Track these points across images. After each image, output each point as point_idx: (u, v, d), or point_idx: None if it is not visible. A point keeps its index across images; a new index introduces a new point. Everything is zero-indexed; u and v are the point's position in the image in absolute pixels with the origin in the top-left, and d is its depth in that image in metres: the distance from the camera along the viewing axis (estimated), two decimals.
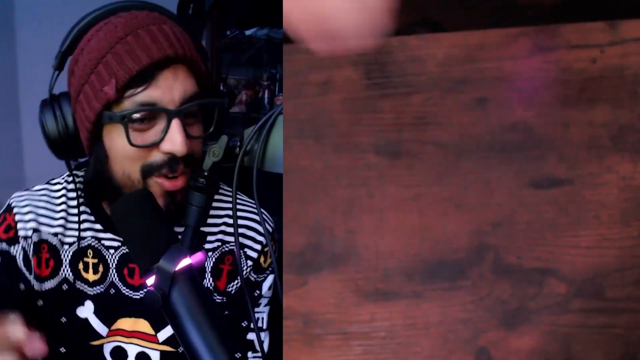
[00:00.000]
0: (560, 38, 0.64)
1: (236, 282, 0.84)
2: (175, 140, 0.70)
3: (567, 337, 0.64)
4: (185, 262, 0.61)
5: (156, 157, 0.71)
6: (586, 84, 0.64)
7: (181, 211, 0.66)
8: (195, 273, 0.62)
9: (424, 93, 0.66)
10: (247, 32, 2.39)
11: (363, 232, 0.65)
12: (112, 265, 0.80)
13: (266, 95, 2.46)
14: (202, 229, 0.80)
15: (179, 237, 0.63)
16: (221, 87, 2.39)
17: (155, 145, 0.71)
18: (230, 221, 0.85)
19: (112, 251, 0.81)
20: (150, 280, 0.61)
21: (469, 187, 0.65)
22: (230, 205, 0.86)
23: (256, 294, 0.86)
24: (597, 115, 0.64)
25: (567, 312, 0.64)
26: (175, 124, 0.70)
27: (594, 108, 0.64)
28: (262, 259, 0.86)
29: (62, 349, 0.80)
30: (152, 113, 0.70)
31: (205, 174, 0.65)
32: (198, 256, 0.64)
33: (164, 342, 0.81)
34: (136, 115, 0.70)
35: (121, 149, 0.72)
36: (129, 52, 0.69)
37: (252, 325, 0.85)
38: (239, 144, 0.70)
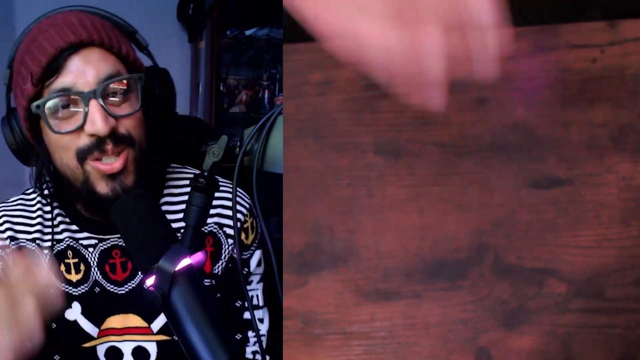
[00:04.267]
0: (560, 38, 0.64)
1: (220, 262, 0.84)
2: (94, 120, 0.71)
3: (567, 337, 0.64)
4: (185, 262, 0.61)
5: (84, 140, 0.73)
6: (586, 84, 0.64)
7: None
8: (195, 273, 0.62)
9: None
10: (247, 32, 2.39)
11: (363, 232, 0.65)
12: (93, 264, 0.81)
13: (266, 95, 2.46)
14: (180, 215, 0.81)
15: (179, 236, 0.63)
16: (221, 87, 2.39)
17: (80, 129, 0.72)
18: None
19: (90, 249, 0.81)
20: (150, 281, 0.61)
21: (469, 187, 0.65)
22: None
23: (245, 272, 0.86)
24: (597, 115, 0.64)
25: (567, 312, 0.64)
26: (93, 104, 0.71)
27: (594, 108, 0.64)
28: (243, 236, 0.85)
29: (57, 357, 0.80)
30: (71, 99, 0.72)
31: (206, 174, 0.65)
32: (198, 256, 0.64)
33: (159, 332, 0.80)
34: (51, 103, 0.72)
35: (51, 139, 0.74)
36: (39, 47, 0.72)
37: (246, 304, 0.85)
38: (239, 144, 0.70)
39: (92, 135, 0.72)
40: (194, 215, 0.64)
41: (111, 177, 0.74)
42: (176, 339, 0.63)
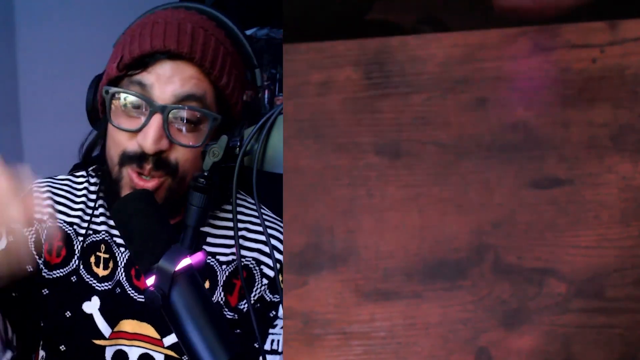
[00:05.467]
0: (560, 38, 0.64)
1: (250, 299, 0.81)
2: (146, 135, 0.69)
3: (567, 337, 0.64)
4: (185, 262, 0.61)
5: (132, 146, 0.71)
6: (586, 84, 0.64)
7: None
8: (195, 273, 0.62)
9: (424, 93, 0.66)
10: (247, 32, 2.39)
11: (363, 232, 0.65)
12: (121, 264, 0.80)
13: (266, 95, 2.46)
14: (217, 240, 0.80)
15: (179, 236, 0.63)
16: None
17: (134, 133, 0.71)
18: (249, 235, 0.82)
19: (122, 249, 0.80)
20: (151, 281, 0.61)
21: (469, 187, 0.65)
22: (248, 218, 0.84)
23: (272, 315, 0.83)
24: (597, 115, 0.64)
25: (567, 312, 0.64)
26: (155, 119, 0.69)
27: (594, 108, 0.64)
28: (281, 277, 0.82)
29: (62, 347, 0.80)
30: (141, 102, 0.70)
31: (206, 174, 0.65)
32: (198, 256, 0.64)
33: (169, 348, 0.80)
34: (122, 95, 0.70)
35: (109, 127, 0.73)
36: (141, 36, 0.70)
37: (265, 346, 0.81)
38: (238, 144, 0.70)
39: (140, 145, 0.70)
40: (193, 215, 0.64)
41: None
42: (186, 359, 0.63)
